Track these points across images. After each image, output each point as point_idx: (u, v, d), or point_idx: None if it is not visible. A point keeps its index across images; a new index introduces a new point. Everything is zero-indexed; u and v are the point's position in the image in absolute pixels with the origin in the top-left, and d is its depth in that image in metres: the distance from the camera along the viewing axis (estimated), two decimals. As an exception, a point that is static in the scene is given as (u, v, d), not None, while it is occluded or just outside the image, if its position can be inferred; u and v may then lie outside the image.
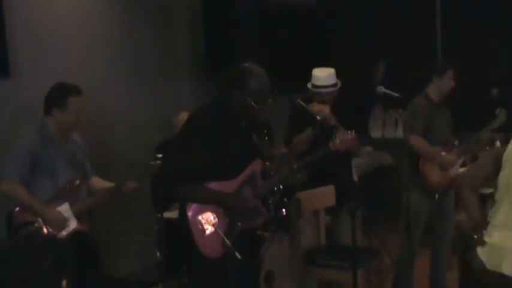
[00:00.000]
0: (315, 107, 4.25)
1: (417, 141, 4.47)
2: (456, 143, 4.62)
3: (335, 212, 4.64)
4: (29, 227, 3.73)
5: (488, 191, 5.11)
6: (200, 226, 3.20)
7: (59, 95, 3.88)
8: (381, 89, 4.31)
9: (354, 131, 3.97)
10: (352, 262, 3.67)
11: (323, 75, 4.57)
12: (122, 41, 5.42)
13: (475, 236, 3.65)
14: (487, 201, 4.87)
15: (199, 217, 3.22)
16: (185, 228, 3.22)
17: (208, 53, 6.00)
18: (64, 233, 3.84)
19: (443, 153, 4.56)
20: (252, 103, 3.20)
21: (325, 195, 4.55)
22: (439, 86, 4.58)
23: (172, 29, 5.90)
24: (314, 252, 4.43)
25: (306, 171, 3.86)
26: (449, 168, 4.56)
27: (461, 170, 4.64)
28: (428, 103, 4.55)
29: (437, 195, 4.55)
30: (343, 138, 3.84)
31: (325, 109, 4.33)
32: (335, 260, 4.25)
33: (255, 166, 3.39)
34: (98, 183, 4.20)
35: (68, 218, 3.87)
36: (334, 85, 4.56)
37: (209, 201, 3.25)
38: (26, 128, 3.94)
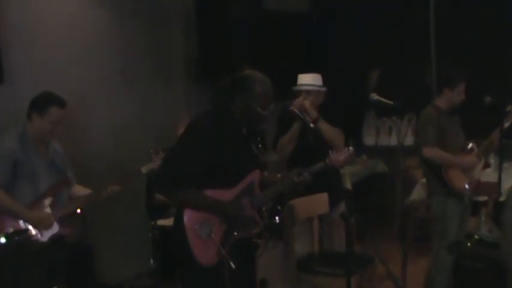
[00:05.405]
0: (296, 101, 4.29)
1: (431, 152, 4.48)
2: (474, 146, 4.63)
3: (327, 217, 4.64)
4: (20, 234, 3.71)
5: (482, 198, 5.16)
6: (196, 233, 3.18)
7: (42, 101, 3.88)
8: (374, 96, 4.31)
9: (350, 148, 4.00)
10: (345, 269, 3.67)
11: (308, 76, 4.63)
12: (116, 46, 5.41)
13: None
14: (480, 209, 4.91)
15: (196, 224, 3.20)
16: (181, 235, 3.20)
17: (203, 58, 6.01)
18: (45, 237, 3.83)
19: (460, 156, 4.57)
20: (257, 107, 3.21)
21: (318, 202, 4.55)
22: (450, 99, 4.60)
23: (166, 34, 5.90)
24: (308, 259, 4.43)
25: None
26: (472, 169, 4.58)
27: (484, 171, 4.70)
28: (436, 112, 4.57)
29: (466, 199, 4.58)
30: (340, 157, 3.88)
31: (306, 102, 4.35)
32: (329, 267, 4.24)
33: (254, 176, 3.38)
34: (80, 191, 4.20)
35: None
36: (320, 86, 4.59)
37: (207, 209, 3.23)
38: (7, 132, 3.94)
